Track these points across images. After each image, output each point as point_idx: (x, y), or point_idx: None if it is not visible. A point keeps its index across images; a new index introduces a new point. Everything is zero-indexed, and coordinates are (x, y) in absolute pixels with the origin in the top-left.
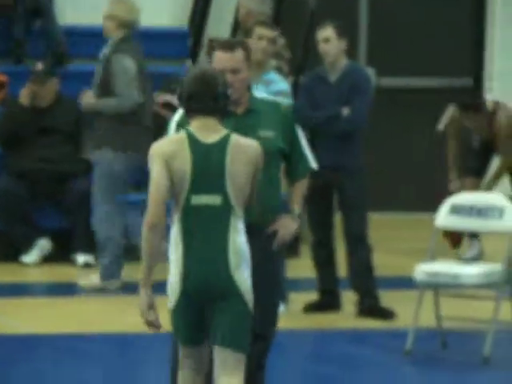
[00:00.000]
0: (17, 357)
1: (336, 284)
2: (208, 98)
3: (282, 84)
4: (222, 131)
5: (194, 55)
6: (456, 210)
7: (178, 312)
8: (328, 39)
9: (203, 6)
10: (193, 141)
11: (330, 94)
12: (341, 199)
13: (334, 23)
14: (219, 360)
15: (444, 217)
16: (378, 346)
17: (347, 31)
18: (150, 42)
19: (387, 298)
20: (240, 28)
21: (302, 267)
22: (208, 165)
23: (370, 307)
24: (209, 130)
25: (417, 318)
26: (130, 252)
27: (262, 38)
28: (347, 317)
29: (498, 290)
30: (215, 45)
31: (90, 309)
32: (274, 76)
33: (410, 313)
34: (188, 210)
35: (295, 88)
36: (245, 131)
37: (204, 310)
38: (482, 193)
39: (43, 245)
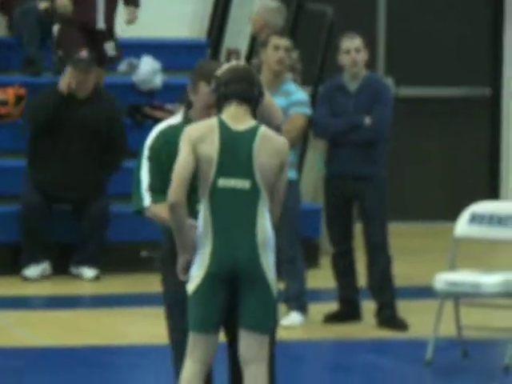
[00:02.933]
0: (37, 369)
1: (356, 294)
2: (245, 83)
3: (300, 94)
4: (252, 121)
5: None
6: (476, 218)
7: (199, 293)
8: (359, 49)
9: (221, 18)
10: (223, 127)
11: (350, 104)
12: (361, 209)
13: (359, 34)
14: (243, 342)
15: (464, 226)
16: (398, 356)
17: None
18: (168, 54)
19: (407, 308)
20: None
21: (321, 278)
22: (236, 150)
23: (388, 318)
24: (240, 119)
25: (437, 327)
26: (141, 264)
27: (279, 47)
28: (367, 327)
29: None
30: (200, 76)
31: (97, 321)
32: (292, 86)
33: (430, 322)
34: (215, 192)
35: (313, 98)
36: None
37: (226, 294)
38: (502, 201)
39: (45, 267)
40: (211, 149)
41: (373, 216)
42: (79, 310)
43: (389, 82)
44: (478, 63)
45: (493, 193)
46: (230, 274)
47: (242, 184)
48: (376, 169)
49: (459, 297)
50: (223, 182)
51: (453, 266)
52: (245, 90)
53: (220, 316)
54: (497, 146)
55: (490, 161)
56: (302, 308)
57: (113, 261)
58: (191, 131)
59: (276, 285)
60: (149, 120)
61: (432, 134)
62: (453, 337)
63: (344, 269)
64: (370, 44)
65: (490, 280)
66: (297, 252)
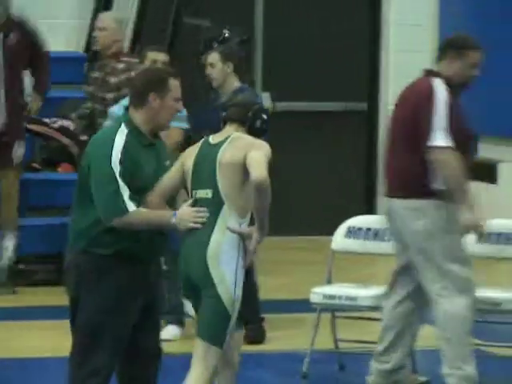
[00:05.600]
0: None
1: None
2: (236, 107)
3: None
4: (230, 134)
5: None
6: (352, 232)
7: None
8: (213, 64)
9: None
10: (205, 142)
11: (215, 118)
12: None
13: (220, 48)
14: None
15: (340, 239)
16: (274, 369)
17: (234, 55)
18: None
19: (285, 321)
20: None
21: None
22: (206, 161)
23: (253, 335)
24: (223, 134)
25: (314, 340)
26: (23, 277)
27: (157, 62)
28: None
29: None
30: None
31: None
32: None
33: (306, 336)
34: (194, 204)
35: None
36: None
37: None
38: (378, 216)
39: None
40: (190, 163)
41: None
42: None
43: (264, 96)
44: (355, 79)
45: (370, 207)
46: (188, 279)
47: (206, 194)
48: None
49: (335, 310)
50: (196, 194)
51: (329, 280)
52: (233, 112)
53: None
54: (373, 161)
55: (367, 176)
56: (179, 321)
57: (26, 273)
58: (187, 150)
59: (231, 297)
60: (26, 133)
61: (310, 149)
62: (329, 350)
63: None
64: (247, 58)
65: (366, 293)
66: (173, 266)
